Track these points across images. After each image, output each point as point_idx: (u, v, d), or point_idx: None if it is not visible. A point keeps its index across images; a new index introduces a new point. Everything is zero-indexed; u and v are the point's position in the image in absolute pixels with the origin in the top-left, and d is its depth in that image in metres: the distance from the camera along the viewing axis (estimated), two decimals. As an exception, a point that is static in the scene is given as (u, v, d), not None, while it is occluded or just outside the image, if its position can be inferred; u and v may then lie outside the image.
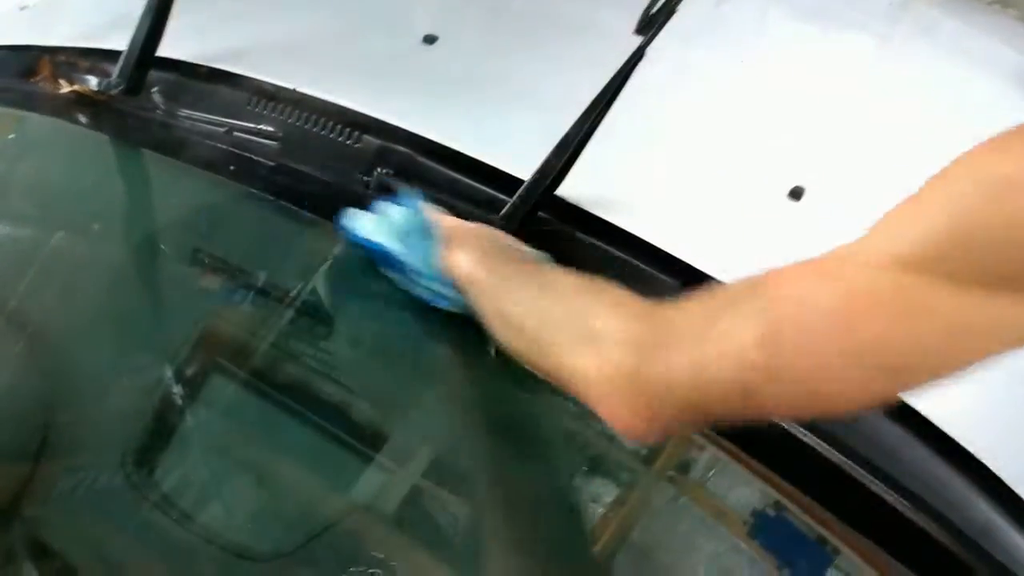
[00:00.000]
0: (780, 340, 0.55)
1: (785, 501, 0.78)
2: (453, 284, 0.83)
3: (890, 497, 0.77)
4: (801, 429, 0.78)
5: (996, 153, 0.53)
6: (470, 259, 0.80)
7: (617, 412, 0.62)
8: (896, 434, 0.79)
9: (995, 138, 0.54)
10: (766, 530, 0.79)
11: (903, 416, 0.79)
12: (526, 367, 0.74)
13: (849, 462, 0.78)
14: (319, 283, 0.97)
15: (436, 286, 0.85)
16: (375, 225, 0.90)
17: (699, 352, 0.58)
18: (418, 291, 0.88)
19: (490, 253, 0.81)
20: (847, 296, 0.57)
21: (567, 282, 0.74)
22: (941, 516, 0.76)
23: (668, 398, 0.60)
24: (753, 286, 0.59)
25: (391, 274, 0.90)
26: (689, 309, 0.62)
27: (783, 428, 0.78)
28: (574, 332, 0.66)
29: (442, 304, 0.86)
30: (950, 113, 1.05)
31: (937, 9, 1.21)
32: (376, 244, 0.89)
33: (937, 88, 1.09)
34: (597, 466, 0.86)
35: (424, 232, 0.86)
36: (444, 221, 0.88)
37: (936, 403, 0.78)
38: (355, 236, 0.91)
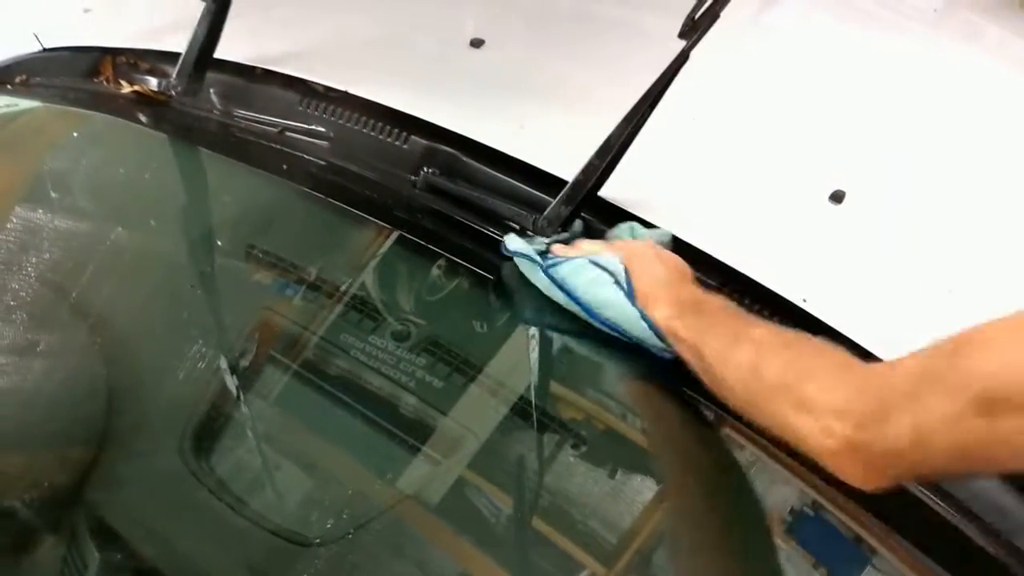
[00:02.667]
0: (995, 406, 0.56)
1: (823, 501, 0.79)
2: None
3: (927, 498, 0.77)
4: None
5: None
6: (663, 314, 0.82)
7: (846, 472, 0.64)
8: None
9: None
10: (804, 529, 0.80)
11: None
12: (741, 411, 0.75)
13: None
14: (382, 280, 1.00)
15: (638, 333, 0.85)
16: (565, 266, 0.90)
17: (917, 420, 0.59)
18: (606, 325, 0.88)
19: (683, 303, 0.82)
20: None
21: (777, 343, 0.74)
22: (977, 518, 0.76)
23: (893, 462, 0.61)
24: (955, 353, 0.59)
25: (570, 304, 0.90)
26: (900, 374, 0.62)
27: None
28: (791, 399, 0.67)
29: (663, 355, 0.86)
30: (992, 118, 1.05)
31: (980, 16, 1.20)
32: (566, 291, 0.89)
33: (980, 93, 1.08)
34: (637, 463, 0.88)
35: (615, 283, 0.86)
36: (633, 270, 0.87)
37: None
38: (545, 273, 0.91)
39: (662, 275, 0.86)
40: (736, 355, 0.74)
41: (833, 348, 0.70)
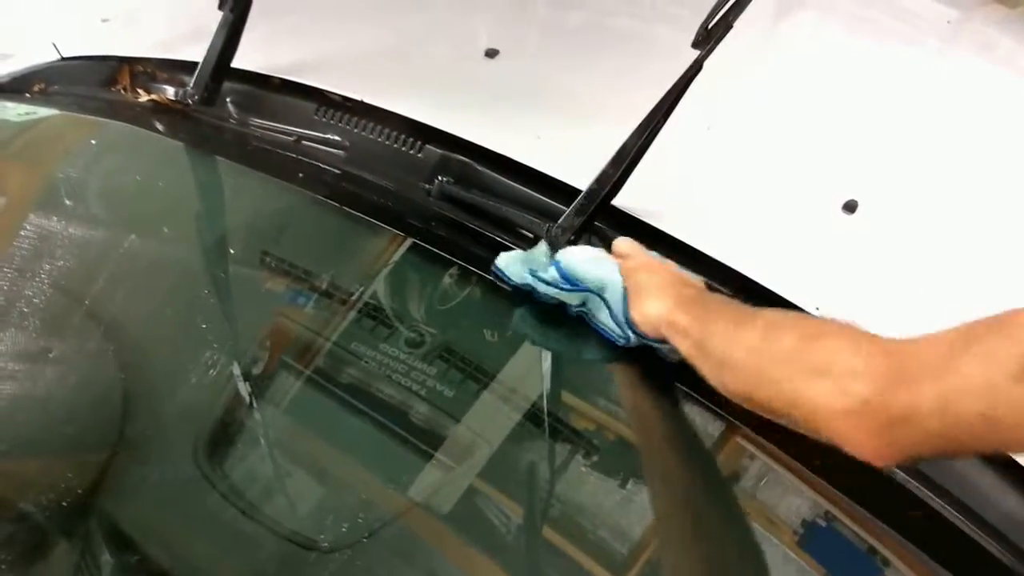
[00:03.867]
0: None
1: (836, 512, 0.79)
2: (639, 328, 0.86)
3: (942, 508, 0.77)
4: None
5: None
6: (666, 306, 0.82)
7: (861, 442, 0.62)
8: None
9: None
10: (816, 540, 0.80)
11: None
12: (745, 406, 0.74)
13: (902, 474, 0.79)
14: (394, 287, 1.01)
15: (622, 331, 0.88)
16: (544, 269, 0.93)
17: (945, 386, 0.58)
18: (601, 329, 0.91)
19: (685, 297, 0.82)
20: None
21: (788, 319, 0.74)
22: (994, 529, 0.76)
23: (913, 428, 0.60)
24: (1000, 322, 0.58)
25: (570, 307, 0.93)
26: (930, 344, 0.61)
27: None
28: (808, 368, 0.66)
29: (622, 343, 0.89)
30: (1005, 129, 1.04)
31: (994, 28, 1.20)
32: (552, 288, 0.91)
33: (993, 105, 1.08)
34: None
35: (606, 279, 0.89)
36: (624, 264, 0.89)
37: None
38: (526, 280, 0.93)
39: (662, 276, 0.86)
40: (744, 334, 0.74)
41: (851, 324, 0.69)
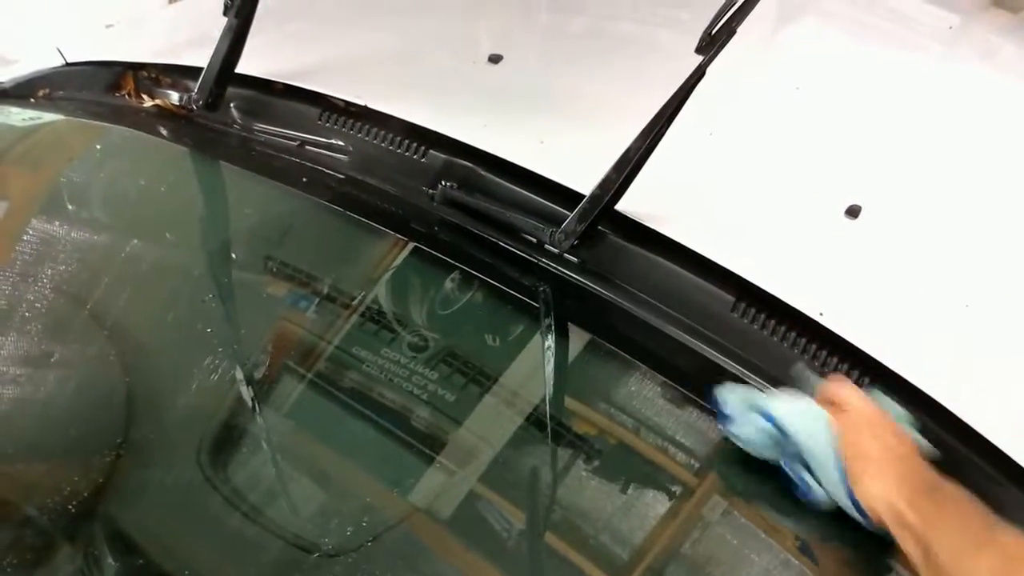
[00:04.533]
0: None
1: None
2: (863, 507, 0.74)
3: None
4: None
5: None
6: (896, 492, 0.71)
7: None
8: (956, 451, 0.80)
9: None
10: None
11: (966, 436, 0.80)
12: None
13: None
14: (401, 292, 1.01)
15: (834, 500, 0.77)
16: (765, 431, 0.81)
17: None
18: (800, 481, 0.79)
19: (919, 491, 0.71)
20: None
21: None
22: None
23: None
24: None
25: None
26: None
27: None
28: None
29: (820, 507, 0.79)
30: (1008, 135, 1.05)
31: (996, 34, 1.20)
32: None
33: (995, 111, 1.08)
34: (650, 480, 0.88)
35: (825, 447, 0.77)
36: (840, 419, 0.78)
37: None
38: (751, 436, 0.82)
39: (891, 448, 0.75)
40: (979, 562, 0.65)
41: None
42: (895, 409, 0.81)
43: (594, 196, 0.94)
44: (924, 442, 0.78)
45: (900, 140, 1.08)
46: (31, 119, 1.31)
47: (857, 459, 0.74)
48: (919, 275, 0.94)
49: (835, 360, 0.88)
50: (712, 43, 0.88)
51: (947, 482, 0.72)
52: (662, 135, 0.92)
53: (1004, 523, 0.68)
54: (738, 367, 0.90)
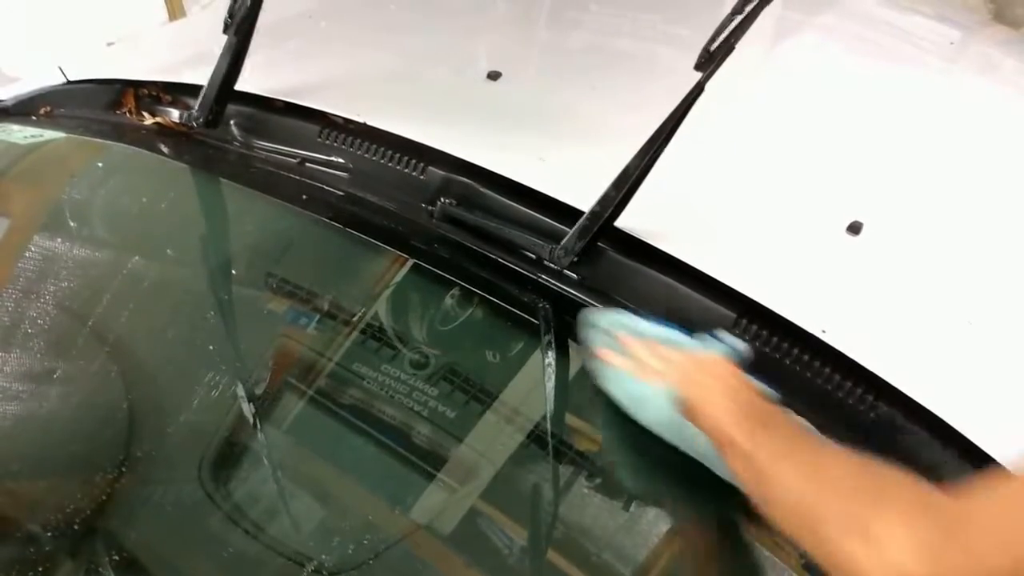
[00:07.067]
0: None
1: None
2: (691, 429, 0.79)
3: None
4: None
5: None
6: (725, 418, 0.75)
7: None
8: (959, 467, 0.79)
9: None
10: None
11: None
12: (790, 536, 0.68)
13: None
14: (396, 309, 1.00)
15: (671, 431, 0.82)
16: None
17: (1010, 557, 0.53)
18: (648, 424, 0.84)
19: (748, 413, 0.74)
20: None
21: (840, 465, 0.67)
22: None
23: None
24: None
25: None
26: (985, 505, 0.56)
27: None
28: (851, 528, 0.60)
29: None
30: (1009, 149, 1.05)
31: (997, 48, 1.21)
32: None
33: (996, 125, 1.09)
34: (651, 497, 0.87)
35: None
36: (682, 364, 0.82)
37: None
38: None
39: (718, 375, 0.79)
40: (795, 469, 0.68)
41: (908, 479, 0.63)
42: (720, 347, 0.84)
43: (593, 213, 0.94)
44: (756, 383, 0.81)
45: (901, 156, 1.08)
46: (32, 137, 1.32)
47: (692, 396, 0.78)
48: (921, 292, 0.94)
49: (838, 377, 0.87)
50: (711, 60, 0.88)
51: (781, 411, 0.76)
52: (661, 151, 0.92)
53: (829, 441, 0.73)
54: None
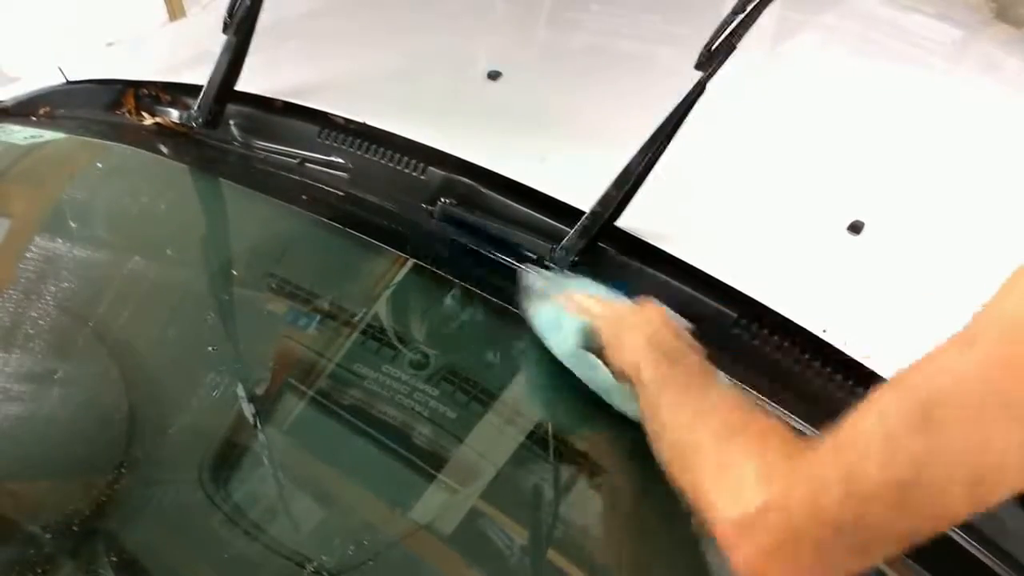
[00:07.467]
0: (933, 415, 0.50)
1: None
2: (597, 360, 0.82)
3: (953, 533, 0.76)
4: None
5: None
6: (639, 352, 0.77)
7: (749, 559, 0.56)
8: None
9: None
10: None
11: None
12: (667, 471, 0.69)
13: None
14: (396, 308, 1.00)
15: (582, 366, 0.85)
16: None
17: (844, 460, 0.53)
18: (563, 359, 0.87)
19: (661, 349, 0.76)
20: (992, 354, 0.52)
21: (720, 405, 0.68)
22: (1008, 555, 0.75)
23: (812, 531, 0.54)
24: (889, 384, 0.54)
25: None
26: (830, 434, 0.56)
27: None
28: (708, 460, 0.62)
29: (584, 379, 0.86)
30: (1010, 149, 1.04)
31: (998, 48, 1.21)
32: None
33: (998, 125, 1.08)
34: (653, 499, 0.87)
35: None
36: (614, 308, 0.86)
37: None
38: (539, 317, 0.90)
39: (644, 320, 0.81)
40: (681, 406, 0.69)
41: (777, 422, 0.63)
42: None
43: (594, 212, 0.94)
44: (679, 321, 0.84)
45: (903, 156, 1.08)
46: (32, 137, 1.32)
47: (612, 332, 0.81)
48: (922, 291, 0.93)
49: (839, 376, 0.87)
50: (712, 59, 0.88)
51: (692, 351, 0.77)
52: (662, 151, 0.92)
53: (731, 388, 0.74)
54: (739, 384, 0.89)
